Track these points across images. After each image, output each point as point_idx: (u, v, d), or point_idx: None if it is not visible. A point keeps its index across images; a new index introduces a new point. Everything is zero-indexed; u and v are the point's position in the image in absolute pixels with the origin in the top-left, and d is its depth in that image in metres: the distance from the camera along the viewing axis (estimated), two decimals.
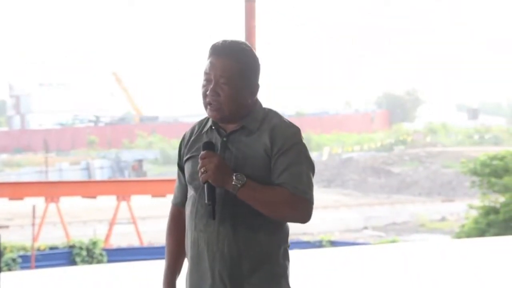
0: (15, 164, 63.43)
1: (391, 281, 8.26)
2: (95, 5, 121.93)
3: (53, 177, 51.09)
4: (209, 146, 2.80)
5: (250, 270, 2.78)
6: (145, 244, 21.37)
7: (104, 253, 18.70)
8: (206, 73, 2.85)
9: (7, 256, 17.51)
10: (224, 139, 2.85)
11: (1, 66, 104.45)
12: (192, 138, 2.95)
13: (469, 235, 21.38)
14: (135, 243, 22.11)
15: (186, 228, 2.92)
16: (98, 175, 57.75)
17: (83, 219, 34.37)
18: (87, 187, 23.34)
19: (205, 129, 2.92)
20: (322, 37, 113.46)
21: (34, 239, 18.85)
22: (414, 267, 9.00)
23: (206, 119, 2.96)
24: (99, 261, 18.15)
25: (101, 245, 18.93)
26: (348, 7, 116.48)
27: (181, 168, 3.00)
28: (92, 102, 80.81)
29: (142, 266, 10.26)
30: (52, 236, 25.28)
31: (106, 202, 24.49)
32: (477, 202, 23.99)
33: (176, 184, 3.08)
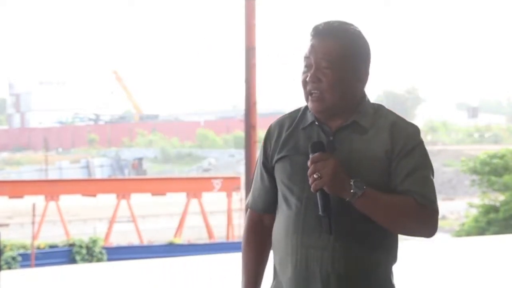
0: (15, 163, 63.44)
1: None
2: (95, 5, 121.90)
3: (53, 175, 51.10)
4: (320, 146, 2.36)
5: None
6: (145, 242, 21.34)
7: (104, 251, 18.70)
8: (305, 58, 2.45)
9: (7, 254, 17.51)
10: (331, 137, 2.43)
11: (1, 64, 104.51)
12: (285, 134, 2.50)
13: (469, 233, 21.40)
14: (135, 241, 22.09)
15: (276, 242, 2.50)
16: (98, 174, 57.82)
17: (83, 217, 34.33)
18: (87, 186, 23.36)
19: (304, 124, 2.50)
20: None
21: (34, 237, 18.84)
22: (414, 265, 8.99)
23: (300, 112, 2.53)
24: (99, 260, 18.15)
25: (101, 243, 18.93)
26: (348, 7, 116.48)
27: (267, 169, 2.54)
28: (92, 100, 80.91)
29: (142, 265, 10.25)
30: (52, 235, 25.28)
31: (106, 200, 24.50)
32: (477, 200, 24.00)
33: (256, 186, 2.61)
